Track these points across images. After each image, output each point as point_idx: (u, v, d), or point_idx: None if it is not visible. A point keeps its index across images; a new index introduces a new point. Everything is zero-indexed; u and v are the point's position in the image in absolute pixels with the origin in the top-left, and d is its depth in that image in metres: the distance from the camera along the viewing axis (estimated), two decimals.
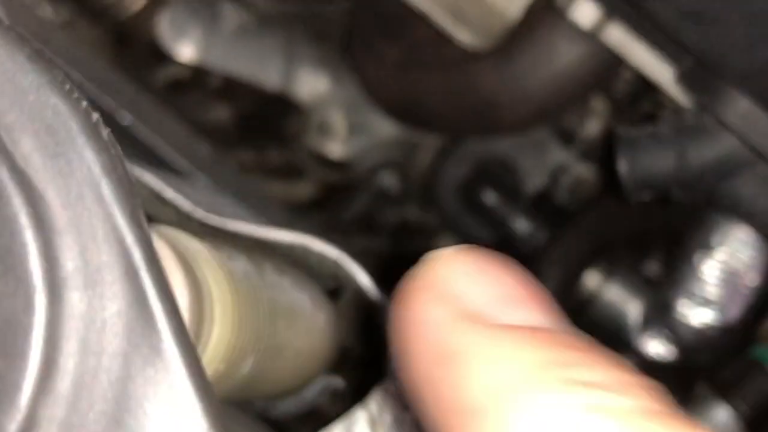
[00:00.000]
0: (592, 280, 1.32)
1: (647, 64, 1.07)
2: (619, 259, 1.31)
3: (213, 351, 0.72)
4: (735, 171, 0.91)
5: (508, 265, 0.29)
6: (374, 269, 0.96)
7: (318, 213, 1.60)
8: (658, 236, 1.23)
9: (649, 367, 1.29)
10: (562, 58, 1.18)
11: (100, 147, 0.35)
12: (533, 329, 0.27)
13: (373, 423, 0.87)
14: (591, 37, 1.11)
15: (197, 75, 1.38)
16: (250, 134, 1.55)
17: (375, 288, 0.92)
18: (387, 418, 0.89)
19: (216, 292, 0.69)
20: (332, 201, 1.62)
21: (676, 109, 0.94)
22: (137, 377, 0.34)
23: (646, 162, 0.91)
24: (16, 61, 0.35)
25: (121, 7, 1.32)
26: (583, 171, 1.44)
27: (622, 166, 0.92)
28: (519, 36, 1.19)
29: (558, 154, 1.43)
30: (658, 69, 1.06)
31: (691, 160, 0.91)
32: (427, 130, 1.40)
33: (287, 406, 0.92)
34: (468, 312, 0.27)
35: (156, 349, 0.35)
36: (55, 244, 0.34)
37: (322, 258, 0.90)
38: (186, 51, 1.35)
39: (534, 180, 1.43)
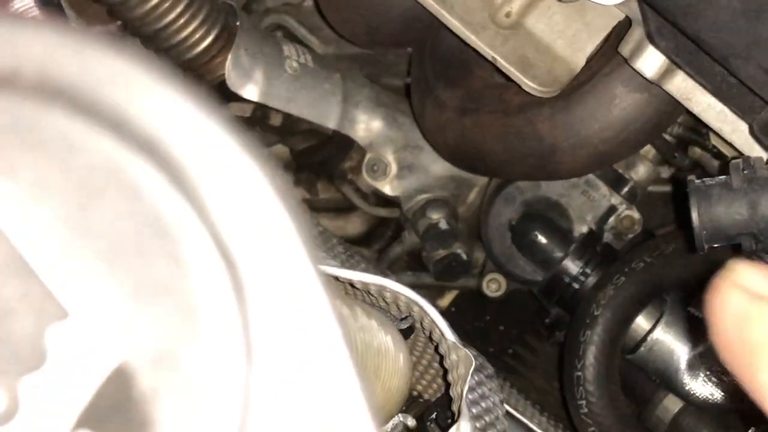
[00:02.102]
0: (644, 322, 1.34)
1: (710, 113, 1.09)
2: (672, 301, 1.33)
3: None
4: None
5: None
6: None
7: (367, 248, 1.63)
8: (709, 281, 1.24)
9: (698, 408, 1.31)
10: (621, 105, 1.20)
11: (293, 215, 0.37)
12: None
13: None
14: (651, 85, 1.13)
15: (259, 113, 1.41)
16: (303, 171, 1.59)
17: (447, 325, 0.95)
18: None
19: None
20: (381, 237, 1.65)
21: (746, 159, 0.96)
22: None
23: (718, 212, 0.94)
24: (214, 125, 0.37)
25: (185, 47, 1.35)
26: (631, 213, 1.47)
27: (695, 216, 0.94)
28: (579, 83, 1.21)
29: (607, 196, 1.45)
30: (721, 118, 1.08)
31: (763, 211, 0.93)
32: (485, 174, 1.43)
33: None
34: (758, 295, 0.35)
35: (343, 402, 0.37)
36: (248, 308, 0.36)
37: (396, 296, 0.93)
38: (250, 91, 1.38)
39: (582, 221, 1.45)
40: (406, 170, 1.51)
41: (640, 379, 1.38)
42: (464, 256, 1.51)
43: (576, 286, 1.37)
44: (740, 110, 0.95)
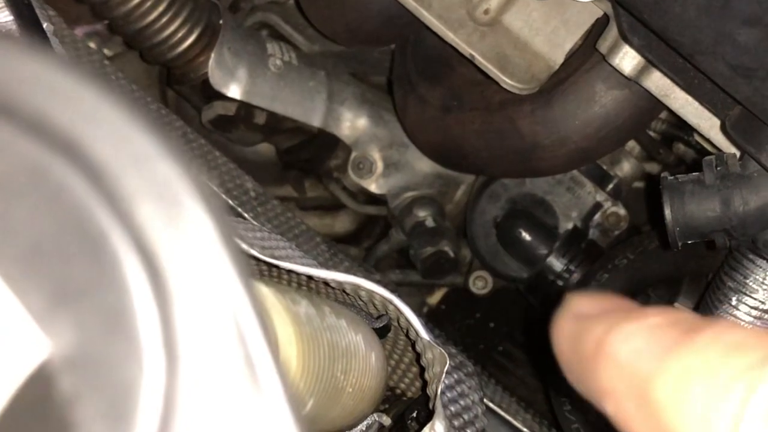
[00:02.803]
0: None
1: (688, 109, 1.09)
2: (653, 298, 1.33)
3: None
4: None
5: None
6: (408, 301, 0.98)
7: (354, 246, 1.63)
8: (692, 277, 1.24)
9: None
10: (601, 102, 1.20)
11: (217, 216, 0.37)
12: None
13: None
14: (631, 82, 1.13)
15: (243, 111, 1.41)
16: (290, 169, 1.58)
17: (423, 325, 0.95)
18: None
19: (282, 336, 0.71)
20: (367, 235, 1.65)
21: (719, 156, 0.96)
22: None
23: (691, 209, 0.94)
24: (137, 127, 0.37)
25: (168, 45, 1.35)
26: (616, 209, 1.46)
27: (668, 213, 0.94)
28: (559, 80, 1.21)
29: (592, 193, 1.45)
30: (699, 114, 1.08)
31: (735, 207, 0.93)
32: (467, 171, 1.43)
33: None
34: (585, 315, 0.37)
35: (270, 422, 0.36)
36: (171, 311, 0.36)
37: (372, 294, 0.93)
38: (234, 90, 1.38)
39: (568, 218, 1.45)
40: (392, 168, 1.51)
41: None
42: (451, 254, 1.51)
43: (560, 283, 1.37)
44: (713, 107, 0.95)
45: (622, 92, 1.19)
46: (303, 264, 0.92)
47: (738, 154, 0.98)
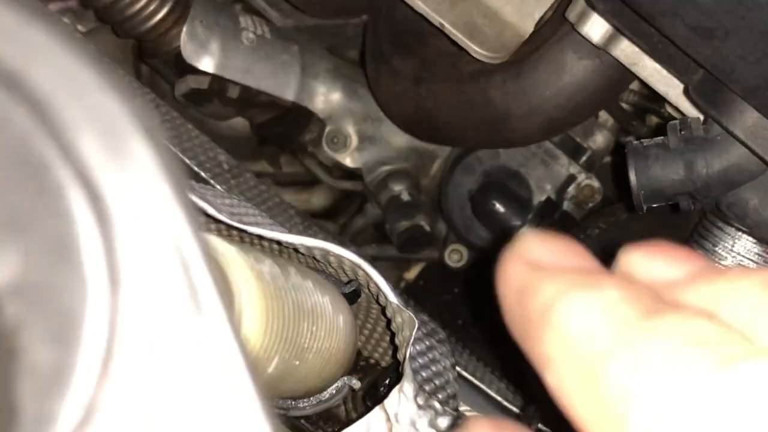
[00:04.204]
0: None
1: (656, 77, 1.10)
2: None
3: None
4: (742, 181, 0.95)
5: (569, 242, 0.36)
6: (385, 276, 0.99)
7: (331, 222, 1.63)
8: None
9: None
10: (572, 72, 1.20)
11: (160, 149, 0.38)
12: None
13: (390, 423, 0.90)
14: (601, 51, 1.14)
15: (216, 85, 1.41)
16: (265, 144, 1.59)
17: (391, 290, 0.95)
18: (404, 419, 0.92)
19: (245, 293, 0.71)
20: (344, 210, 1.66)
21: (684, 120, 0.97)
22: (195, 369, 0.36)
23: (655, 172, 0.94)
24: (79, 61, 0.37)
25: (140, 19, 1.35)
26: (590, 182, 1.47)
27: (632, 177, 0.94)
28: (530, 50, 1.22)
29: (566, 165, 1.46)
30: (667, 82, 1.09)
31: (699, 170, 0.94)
32: (440, 143, 1.43)
33: (307, 406, 0.95)
34: (537, 264, 0.34)
35: (213, 342, 0.37)
36: (113, 239, 0.37)
37: (341, 260, 0.93)
38: (206, 63, 1.39)
39: (542, 190, 1.46)
40: (366, 142, 1.51)
41: None
42: (427, 228, 1.52)
43: None
44: (677, 71, 0.96)
45: (593, 62, 1.19)
46: (271, 230, 0.93)
47: (702, 118, 0.99)
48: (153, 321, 0.37)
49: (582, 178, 1.47)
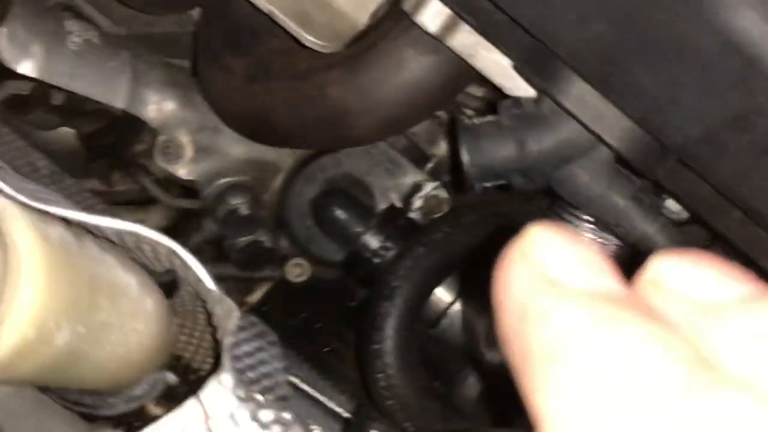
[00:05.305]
0: (445, 294, 1.31)
1: (493, 68, 1.07)
2: (470, 273, 1.30)
3: (21, 312, 0.68)
4: (574, 157, 0.92)
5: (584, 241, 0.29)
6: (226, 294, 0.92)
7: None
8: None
9: (496, 380, 1.28)
10: (410, 68, 1.17)
11: None
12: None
13: (206, 415, 0.83)
14: (440, 47, 1.11)
15: (39, 91, 1.33)
16: (95, 160, 1.50)
17: (210, 278, 0.89)
18: (222, 411, 0.85)
19: (25, 250, 0.64)
20: (183, 230, 1.57)
21: (516, 99, 0.94)
22: None
23: (487, 150, 0.91)
24: None
25: None
26: (437, 192, 1.43)
27: (464, 155, 0.91)
28: (369, 45, 1.18)
29: (411, 174, 1.42)
30: (504, 73, 1.06)
31: (530, 147, 0.91)
32: (276, 144, 1.37)
33: (118, 402, 0.87)
34: (547, 279, 0.28)
35: None
36: None
37: (155, 247, 0.87)
38: (27, 66, 1.30)
39: (387, 199, 1.41)
40: (202, 153, 1.44)
41: (446, 357, 1.34)
42: (268, 244, 1.45)
43: (377, 260, 1.32)
44: (507, 48, 0.93)
45: (432, 58, 1.16)
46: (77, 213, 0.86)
47: (534, 95, 0.96)
48: None
49: (428, 188, 1.42)
